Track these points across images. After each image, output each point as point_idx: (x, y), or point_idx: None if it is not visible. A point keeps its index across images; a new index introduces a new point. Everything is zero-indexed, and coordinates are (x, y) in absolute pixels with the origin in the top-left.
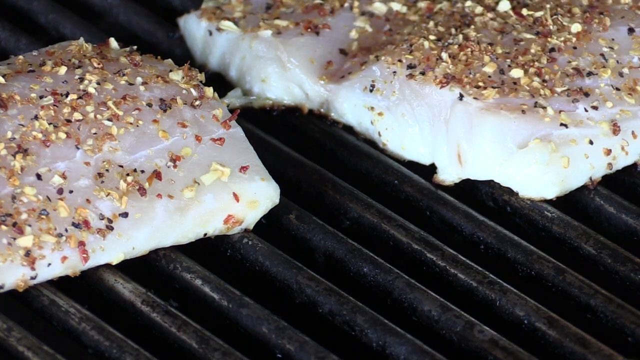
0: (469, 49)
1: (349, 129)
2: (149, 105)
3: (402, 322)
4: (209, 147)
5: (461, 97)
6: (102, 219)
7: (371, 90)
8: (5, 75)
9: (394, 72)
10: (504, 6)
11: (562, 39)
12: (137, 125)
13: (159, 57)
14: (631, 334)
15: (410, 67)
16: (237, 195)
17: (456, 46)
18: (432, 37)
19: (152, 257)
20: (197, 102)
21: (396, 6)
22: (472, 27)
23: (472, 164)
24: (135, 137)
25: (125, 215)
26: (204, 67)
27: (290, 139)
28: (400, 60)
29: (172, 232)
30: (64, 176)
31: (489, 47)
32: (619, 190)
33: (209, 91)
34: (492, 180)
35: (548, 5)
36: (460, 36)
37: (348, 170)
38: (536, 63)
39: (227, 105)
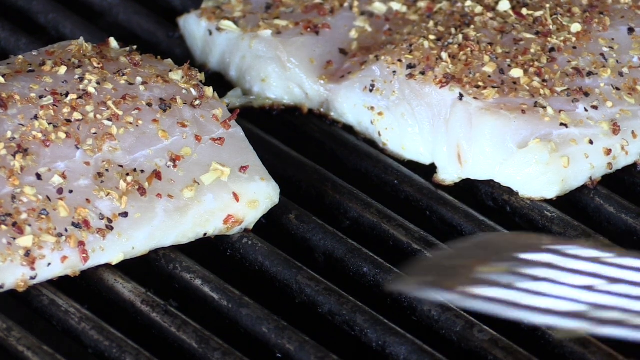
0: (469, 49)
1: (349, 128)
2: (149, 105)
3: (402, 322)
4: (209, 147)
5: (461, 97)
6: (102, 219)
7: (371, 90)
8: (5, 75)
9: (394, 71)
10: (504, 6)
11: (562, 38)
12: (137, 125)
13: (159, 57)
14: None
15: (410, 67)
16: (237, 195)
17: (456, 46)
18: (432, 37)
19: (152, 257)
20: (197, 102)
21: (396, 6)
22: (472, 26)
23: (472, 163)
24: (135, 137)
25: (125, 215)
26: (204, 66)
27: (290, 139)
28: (400, 60)
29: (172, 232)
30: (64, 176)
31: (489, 47)
32: (619, 190)
33: (209, 91)
34: (492, 180)
35: (548, 5)
36: (460, 36)
37: (348, 170)
38: (536, 63)
39: (227, 105)
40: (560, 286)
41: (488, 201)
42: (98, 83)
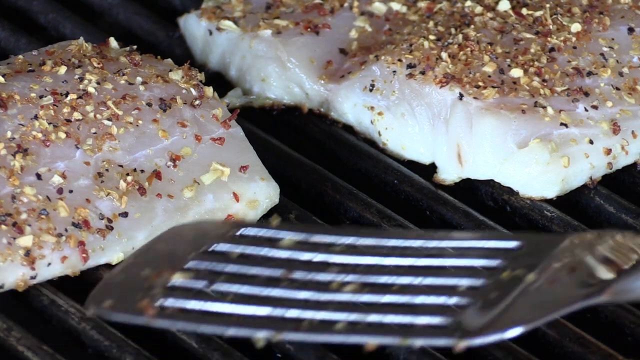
0: (469, 49)
1: (349, 128)
2: (149, 104)
3: None
4: (209, 146)
5: (461, 96)
6: (102, 219)
7: (371, 90)
8: (5, 75)
9: (394, 71)
10: (504, 6)
11: (562, 38)
12: (137, 125)
13: (159, 56)
14: (631, 334)
15: (410, 66)
16: (237, 195)
17: (456, 46)
18: (432, 37)
19: None
20: (197, 102)
21: (396, 6)
22: (472, 26)
23: (473, 163)
24: (135, 136)
25: (125, 215)
26: (204, 66)
27: (290, 139)
28: (400, 60)
29: None
30: (63, 176)
31: (489, 47)
32: (618, 190)
33: (209, 91)
34: (492, 180)
35: (548, 5)
36: (460, 36)
37: (348, 170)
38: (536, 63)
39: (227, 105)
40: (251, 287)
41: (488, 201)
42: (98, 83)
